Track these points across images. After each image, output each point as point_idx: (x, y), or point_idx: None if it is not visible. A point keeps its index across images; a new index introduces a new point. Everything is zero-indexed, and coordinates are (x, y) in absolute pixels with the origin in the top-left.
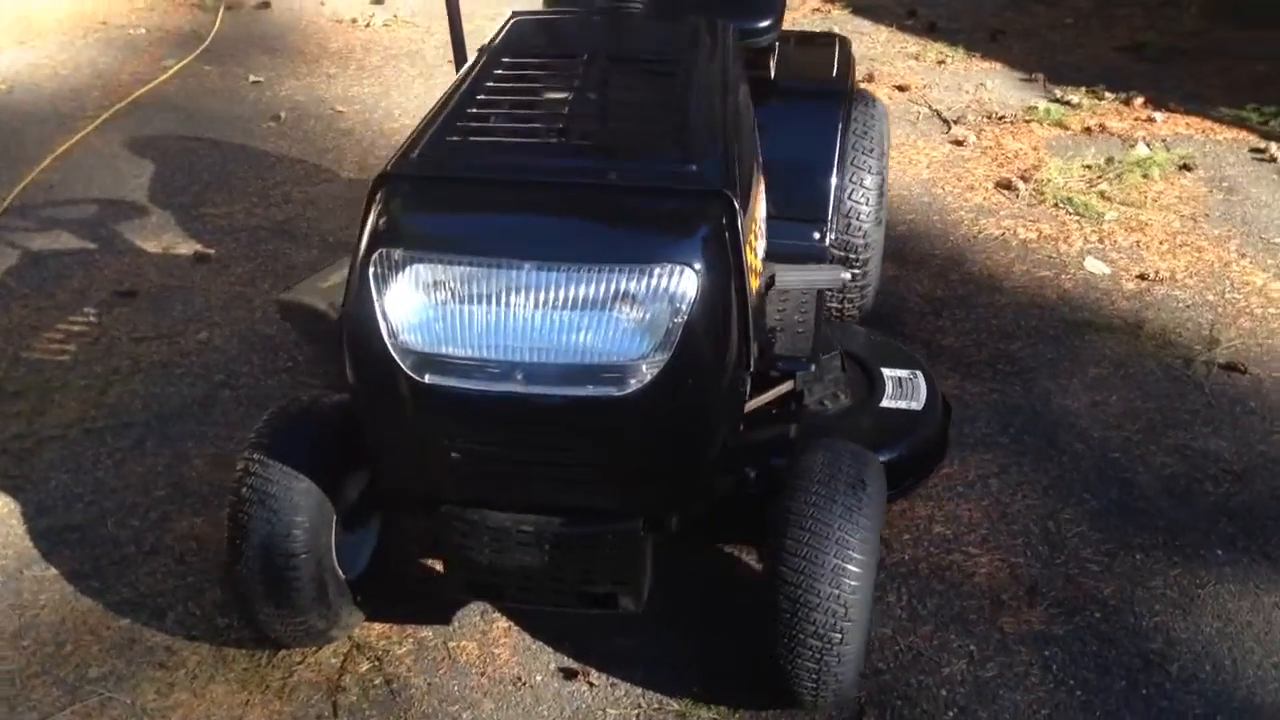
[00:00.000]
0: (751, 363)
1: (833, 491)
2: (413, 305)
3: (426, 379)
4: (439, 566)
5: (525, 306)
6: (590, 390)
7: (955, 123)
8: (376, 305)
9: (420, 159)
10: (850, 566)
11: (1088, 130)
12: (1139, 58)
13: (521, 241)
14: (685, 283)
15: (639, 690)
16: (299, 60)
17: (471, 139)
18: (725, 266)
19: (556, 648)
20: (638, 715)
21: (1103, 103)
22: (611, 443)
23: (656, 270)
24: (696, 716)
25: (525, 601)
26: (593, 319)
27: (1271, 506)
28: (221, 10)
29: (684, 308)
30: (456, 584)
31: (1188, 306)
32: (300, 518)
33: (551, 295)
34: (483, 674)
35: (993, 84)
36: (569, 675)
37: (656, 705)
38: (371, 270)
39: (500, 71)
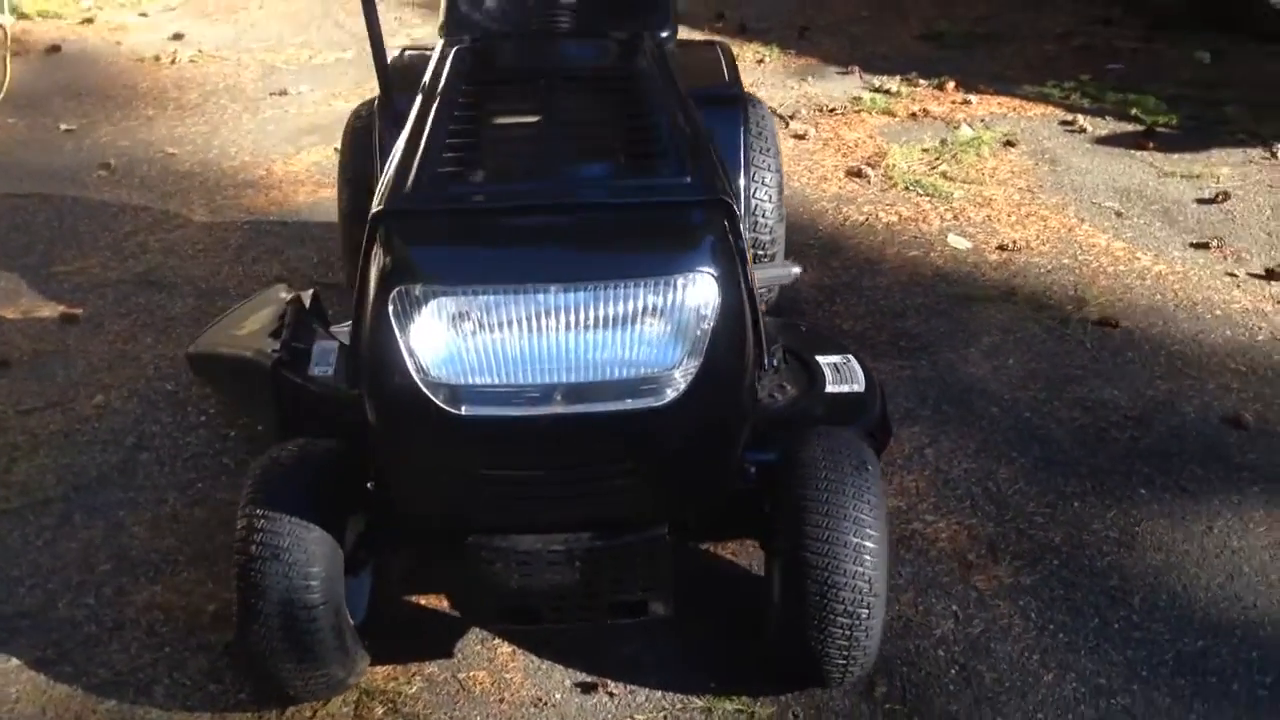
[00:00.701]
0: (765, 359)
1: (841, 475)
2: (440, 339)
3: (463, 410)
4: (429, 602)
5: (556, 329)
6: (629, 404)
7: (791, 118)
8: (400, 342)
9: (418, 193)
10: (869, 544)
11: (913, 116)
12: (940, 45)
13: (543, 265)
14: (706, 290)
15: (659, 693)
16: (110, 104)
17: (465, 169)
18: (735, 270)
19: (567, 664)
20: (665, 716)
21: (919, 89)
22: (650, 453)
23: (679, 281)
24: (721, 710)
25: (558, 620)
26: (624, 334)
27: (1174, 444)
28: (9, 58)
29: (709, 314)
30: (487, 613)
31: (1049, 271)
32: (316, 568)
33: (581, 315)
34: (501, 700)
35: (814, 78)
36: (587, 689)
37: (680, 705)
38: (391, 309)
39: (464, 100)
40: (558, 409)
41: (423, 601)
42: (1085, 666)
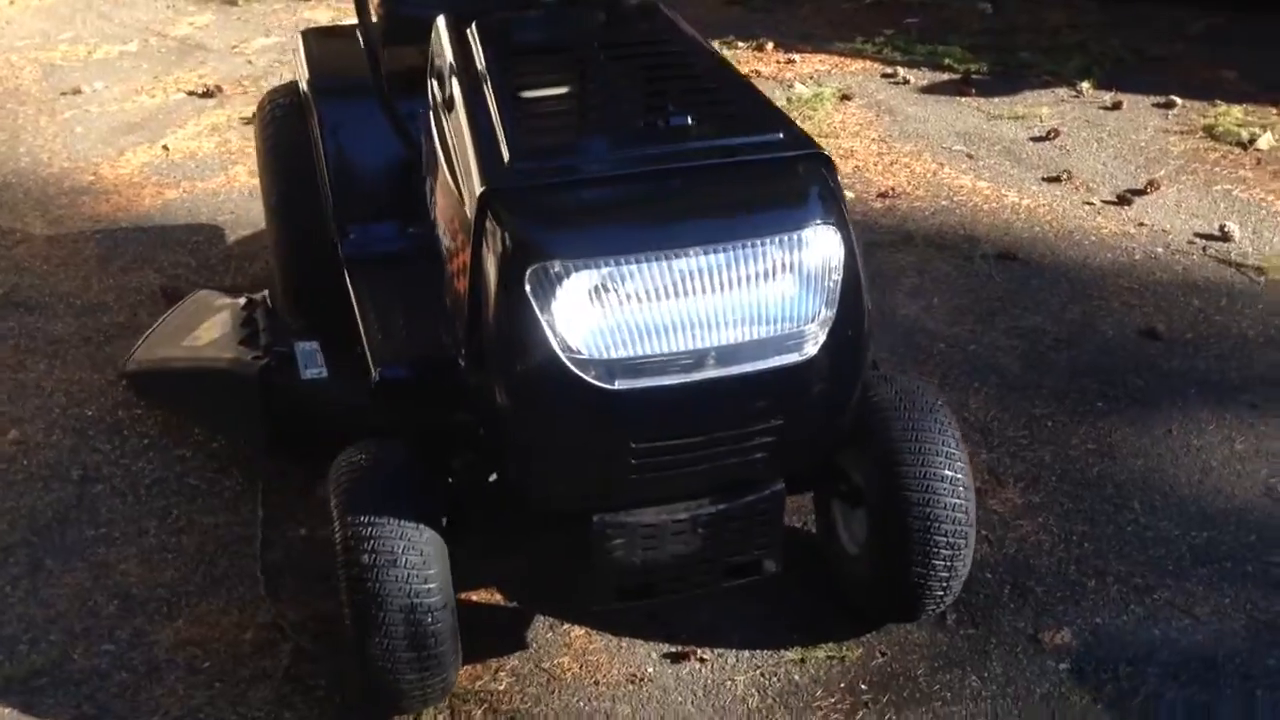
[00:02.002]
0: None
1: (922, 415)
2: (584, 314)
3: (617, 385)
4: (481, 597)
5: (701, 292)
6: (777, 361)
7: None
8: (542, 322)
9: (523, 168)
10: (961, 475)
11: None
12: (746, 10)
13: (678, 228)
14: (832, 241)
15: (747, 653)
16: None
17: (555, 140)
18: (846, 219)
19: (646, 638)
20: (761, 674)
21: (740, 51)
22: (795, 408)
23: (807, 234)
24: (813, 659)
25: (676, 591)
26: (766, 291)
27: (1107, 360)
28: None
29: (836, 265)
30: (606, 594)
31: (933, 213)
32: (433, 570)
33: (724, 276)
34: (595, 683)
35: None
36: (677, 659)
37: (774, 661)
38: (528, 288)
39: (516, 73)
40: (710, 373)
41: (474, 597)
42: (1118, 569)
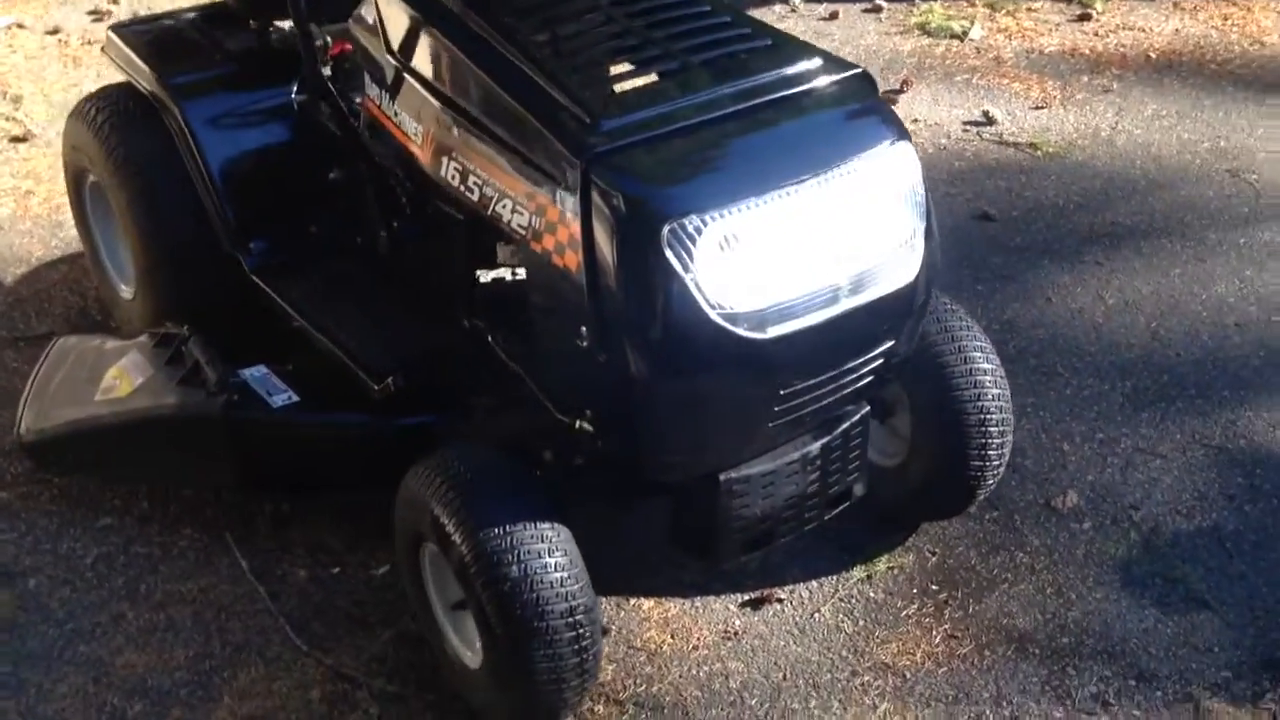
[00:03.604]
0: None
1: (948, 319)
2: (726, 266)
3: (769, 333)
4: None
5: (827, 222)
6: (894, 282)
7: None
8: (687, 282)
9: (613, 127)
10: (998, 368)
11: None
12: None
13: (788, 163)
14: (910, 153)
15: (815, 582)
16: None
17: (625, 92)
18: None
19: (717, 593)
20: (840, 599)
21: None
22: (903, 326)
23: (889, 149)
24: (876, 572)
25: (791, 533)
26: (878, 209)
27: (962, 246)
28: None
29: (918, 177)
30: (732, 550)
31: None
32: (578, 566)
33: (840, 201)
34: (694, 648)
35: None
36: (757, 605)
37: (844, 584)
38: (667, 250)
39: (526, 33)
40: (845, 305)
41: None
42: (1080, 429)
